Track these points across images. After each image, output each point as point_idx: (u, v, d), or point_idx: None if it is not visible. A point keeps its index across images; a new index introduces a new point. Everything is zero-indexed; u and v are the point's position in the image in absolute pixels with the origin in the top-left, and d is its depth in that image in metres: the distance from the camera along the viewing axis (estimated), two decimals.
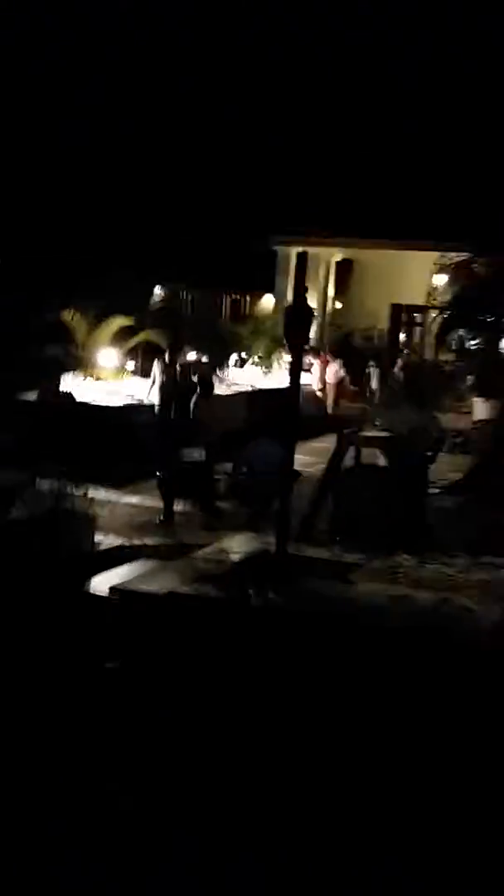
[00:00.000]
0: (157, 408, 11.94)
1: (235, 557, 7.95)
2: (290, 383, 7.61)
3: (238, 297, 25.14)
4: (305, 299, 7.49)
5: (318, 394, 16.89)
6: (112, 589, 6.99)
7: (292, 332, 7.41)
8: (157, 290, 23.27)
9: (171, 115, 25.51)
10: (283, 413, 14.32)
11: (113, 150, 24.71)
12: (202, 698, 5.69)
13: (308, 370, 17.00)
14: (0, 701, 5.52)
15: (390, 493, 8.31)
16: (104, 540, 8.31)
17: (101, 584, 7.15)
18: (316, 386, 16.97)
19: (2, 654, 5.99)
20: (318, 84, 25.23)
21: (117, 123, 24.84)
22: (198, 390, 10.26)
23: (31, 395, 12.16)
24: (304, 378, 16.56)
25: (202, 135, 26.02)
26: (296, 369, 7.58)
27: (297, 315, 7.40)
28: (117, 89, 24.82)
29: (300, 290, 7.45)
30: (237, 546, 8.31)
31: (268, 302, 23.47)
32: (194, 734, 5.28)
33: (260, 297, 23.84)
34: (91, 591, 7.03)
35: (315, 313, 21.86)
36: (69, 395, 12.23)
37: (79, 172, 23.98)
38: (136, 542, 8.47)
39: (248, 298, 24.80)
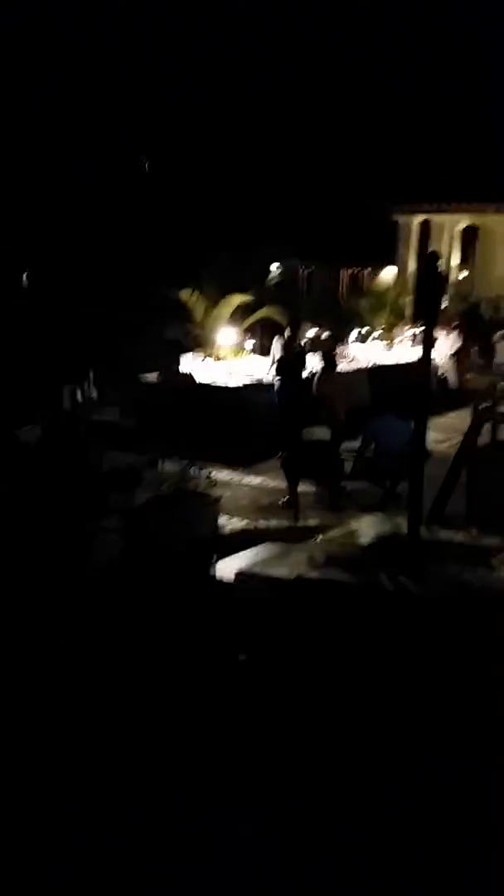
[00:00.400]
0: (277, 386, 11.62)
1: (365, 540, 7.56)
2: (422, 356, 7.12)
3: (357, 270, 24.58)
4: (437, 267, 6.97)
5: (443, 367, 16.19)
6: (238, 574, 6.73)
7: (423, 302, 6.91)
8: (275, 267, 23.02)
9: (286, 89, 25.07)
10: (410, 388, 13.84)
11: (230, 127, 24.50)
12: (333, 688, 5.36)
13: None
14: (131, 685, 5.35)
15: None
16: (228, 523, 8.09)
17: (227, 568, 6.91)
18: (440, 359, 16.26)
19: (130, 641, 5.84)
20: (435, 46, 24.22)
21: (233, 101, 24.61)
22: (321, 366, 9.88)
23: (152, 377, 12.07)
24: (415, 352, 15.97)
25: (317, 107, 25.46)
26: (427, 341, 7.09)
27: (428, 284, 6.89)
28: (231, 67, 24.56)
29: (431, 258, 6.94)
30: (366, 528, 7.91)
31: (388, 274, 22.80)
32: (325, 725, 4.97)
33: (380, 269, 23.18)
34: (216, 576, 6.80)
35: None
36: (189, 376, 12.07)
37: (198, 150, 23.90)
38: (261, 524, 8.19)
39: (367, 271, 24.20)
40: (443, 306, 15.93)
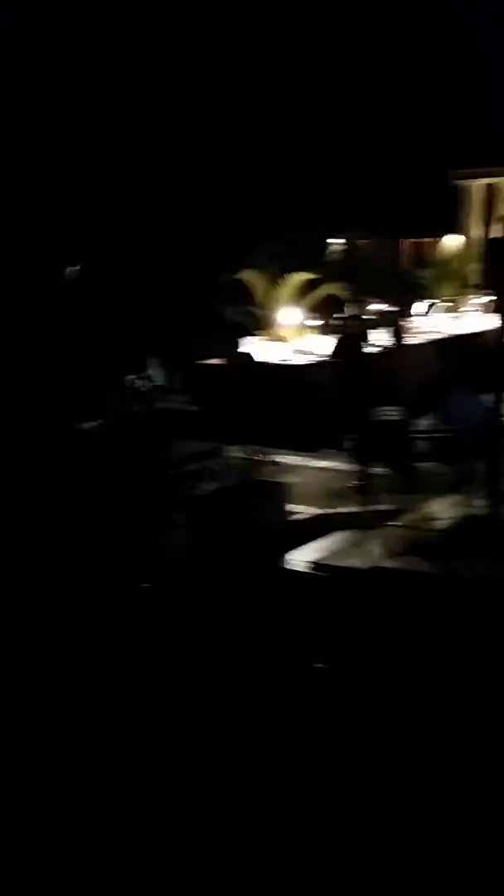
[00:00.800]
0: (344, 365, 11.30)
1: (442, 525, 7.25)
2: (499, 327, 6.75)
3: (419, 240, 23.89)
4: None
5: None
6: (311, 564, 6.50)
7: (494, 269, 6.54)
8: (334, 241, 22.51)
9: (338, 55, 24.41)
10: (481, 360, 13.33)
11: (281, 97, 23.99)
12: (414, 683, 5.10)
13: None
14: (203, 680, 5.18)
15: None
16: (298, 510, 7.84)
17: (299, 559, 6.68)
18: None
19: (198, 635, 5.66)
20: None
21: (282, 73, 24.08)
22: (389, 342, 9.52)
23: (215, 361, 11.85)
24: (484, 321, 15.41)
25: (371, 73, 24.76)
26: (501, 309, 6.72)
27: (498, 250, 6.51)
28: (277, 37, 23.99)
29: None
30: (442, 511, 7.60)
31: (451, 242, 22.09)
32: (402, 725, 4.71)
33: (442, 238, 22.49)
34: (288, 567, 6.58)
35: None
36: (252, 358, 11.81)
37: (251, 124, 23.47)
38: (332, 510, 7.91)
39: (429, 241, 23.50)
40: None
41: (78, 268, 15.69)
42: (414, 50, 24.38)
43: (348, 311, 11.94)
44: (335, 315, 11.73)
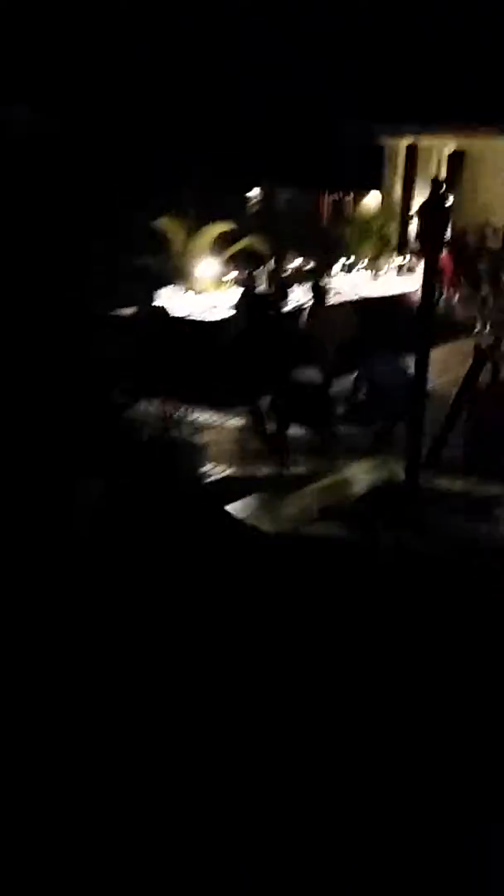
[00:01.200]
0: (264, 323, 11.00)
1: (359, 489, 7.10)
2: (424, 288, 6.56)
3: (340, 196, 23.62)
4: (443, 194, 6.36)
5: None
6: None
7: (429, 230, 6.33)
8: (254, 193, 22.04)
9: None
10: (400, 321, 13.22)
11: (203, 40, 23.15)
12: (325, 653, 4.94)
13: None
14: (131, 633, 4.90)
15: None
16: (213, 470, 7.58)
17: (213, 521, 6.42)
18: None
19: (108, 598, 5.37)
20: None
21: (212, 17, 23.21)
22: (309, 301, 9.27)
23: (128, 311, 11.35)
24: (401, 283, 15.35)
25: (301, 25, 24.11)
26: (430, 272, 6.52)
27: (434, 211, 6.30)
28: None
29: (436, 185, 6.32)
30: (360, 475, 7.46)
31: (373, 200, 21.91)
32: (312, 697, 4.56)
33: (364, 195, 22.28)
34: (202, 530, 6.31)
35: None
36: (167, 310, 11.37)
37: (171, 66, 22.60)
38: (249, 471, 7.67)
39: (350, 197, 23.26)
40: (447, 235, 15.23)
41: None
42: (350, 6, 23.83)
43: (268, 266, 11.61)
44: (250, 271, 11.39)
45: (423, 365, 6.68)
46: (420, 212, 6.69)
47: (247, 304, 10.07)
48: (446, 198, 6.48)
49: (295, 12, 23.52)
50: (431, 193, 6.24)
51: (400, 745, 4.23)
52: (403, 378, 8.16)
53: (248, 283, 10.69)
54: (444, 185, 6.38)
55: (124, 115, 20.78)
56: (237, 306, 10.28)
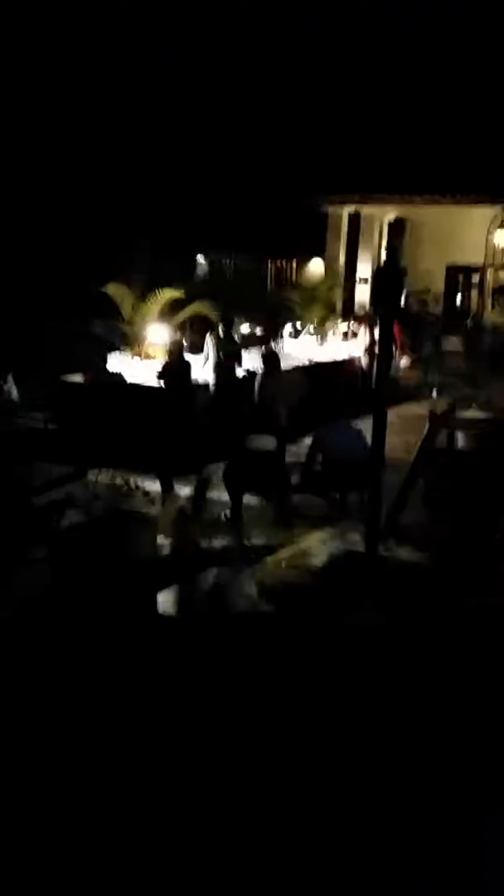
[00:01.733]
0: (212, 388, 10.92)
1: (319, 562, 6.93)
2: (380, 351, 6.52)
3: (283, 263, 23.95)
4: (397, 259, 6.38)
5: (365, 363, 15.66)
6: (179, 608, 6.02)
7: (384, 295, 6.33)
8: (201, 259, 22.22)
9: (216, 79, 24.21)
10: (346, 387, 13.25)
11: (154, 116, 23.53)
12: (292, 744, 4.72)
13: (354, 337, 15.90)
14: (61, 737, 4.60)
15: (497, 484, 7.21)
16: (166, 543, 7.34)
17: (170, 602, 6.18)
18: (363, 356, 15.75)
19: (56, 687, 5.07)
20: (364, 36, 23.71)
21: (159, 91, 23.63)
22: (262, 367, 9.21)
23: (77, 377, 11.18)
24: (346, 348, 15.48)
25: (244, 96, 24.69)
26: (386, 336, 6.50)
27: (388, 277, 6.30)
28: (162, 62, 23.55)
29: (391, 250, 6.34)
30: (318, 546, 7.30)
31: (315, 267, 22.24)
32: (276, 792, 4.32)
33: (307, 262, 22.62)
34: (158, 612, 6.06)
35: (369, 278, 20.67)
36: (118, 375, 11.22)
37: (124, 139, 22.88)
38: (203, 544, 7.45)
39: (294, 264, 23.61)
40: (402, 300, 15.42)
41: None
42: (289, 77, 24.50)
43: (220, 332, 11.56)
44: (208, 334, 11.35)
45: (380, 431, 6.61)
46: (376, 276, 6.70)
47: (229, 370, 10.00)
48: (397, 262, 6.51)
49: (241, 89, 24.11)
50: (388, 258, 6.25)
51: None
52: (359, 445, 8.10)
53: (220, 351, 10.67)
54: (397, 250, 6.40)
55: (76, 184, 20.90)
56: (219, 374, 10.19)
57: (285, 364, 12.49)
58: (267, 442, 8.29)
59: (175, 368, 9.66)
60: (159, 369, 9.92)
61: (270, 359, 9.43)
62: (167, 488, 8.50)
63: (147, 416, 9.91)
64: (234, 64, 24.33)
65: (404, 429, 9.47)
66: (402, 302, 19.52)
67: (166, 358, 10.13)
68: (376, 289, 6.69)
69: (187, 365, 9.92)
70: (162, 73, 23.84)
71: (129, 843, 3.92)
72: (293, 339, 15.86)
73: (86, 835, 3.96)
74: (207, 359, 11.28)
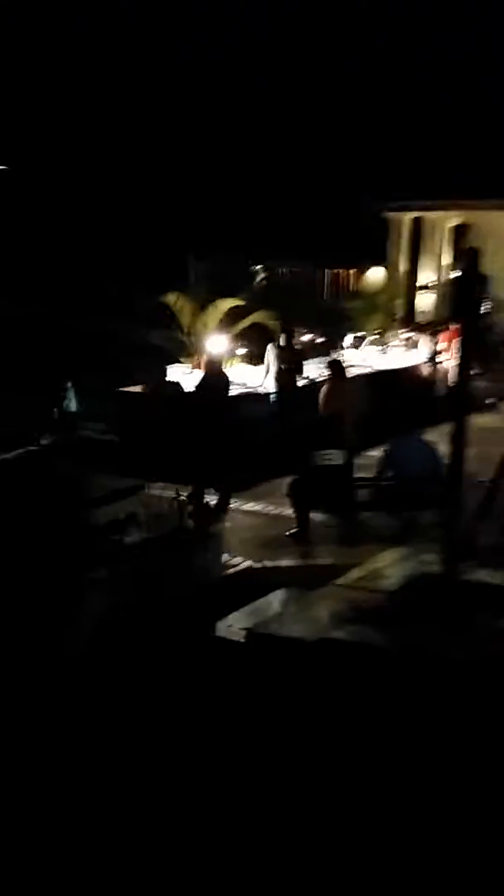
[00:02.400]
0: (273, 398, 10.62)
1: (392, 583, 6.53)
2: (461, 364, 6.13)
3: (343, 271, 23.59)
4: (475, 264, 5.99)
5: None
6: (249, 633, 5.68)
7: (463, 302, 5.94)
8: (260, 268, 21.98)
9: (271, 84, 24.04)
10: (412, 396, 12.80)
11: (212, 123, 23.45)
12: (368, 782, 4.35)
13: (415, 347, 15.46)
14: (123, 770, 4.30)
15: None
16: (231, 561, 7.03)
17: (235, 625, 5.85)
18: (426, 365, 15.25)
19: (116, 723, 4.78)
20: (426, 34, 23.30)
21: (217, 97, 23.54)
22: (328, 377, 8.86)
23: (137, 388, 10.96)
24: (408, 357, 15.04)
25: (303, 103, 24.45)
26: (468, 344, 6.10)
27: (466, 283, 5.91)
28: (217, 64, 23.46)
29: (472, 255, 5.96)
30: (391, 567, 6.89)
31: (374, 275, 21.81)
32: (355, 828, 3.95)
33: (366, 269, 22.21)
34: (222, 636, 5.73)
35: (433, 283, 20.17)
36: (177, 386, 10.97)
37: (181, 149, 22.82)
38: (269, 563, 7.11)
39: (352, 272, 23.23)
40: (483, 308, 14.96)
41: None
42: (353, 79, 24.22)
43: (282, 341, 11.25)
44: (269, 344, 11.06)
45: (459, 445, 6.19)
46: (456, 283, 6.31)
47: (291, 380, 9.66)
48: (476, 267, 6.12)
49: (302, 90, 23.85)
50: (469, 263, 5.86)
51: None
52: (431, 459, 7.70)
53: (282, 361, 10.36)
54: (478, 255, 6.00)
55: (133, 192, 20.87)
56: (282, 384, 9.86)
57: (349, 373, 12.15)
58: (334, 456, 7.93)
59: (211, 383, 9.32)
60: (197, 383, 9.61)
61: (335, 367, 9.08)
62: (223, 503, 8.21)
63: (201, 428, 9.62)
64: (296, 69, 24.14)
65: (479, 441, 9.02)
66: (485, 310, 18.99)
67: (204, 371, 9.81)
68: (455, 297, 6.28)
69: (225, 379, 9.59)
70: (226, 77, 23.73)
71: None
72: (354, 349, 15.48)
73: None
74: (269, 369, 10.99)
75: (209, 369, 9.53)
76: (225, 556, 7.07)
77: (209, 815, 4.11)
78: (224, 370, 9.84)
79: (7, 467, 7.05)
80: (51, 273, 17.20)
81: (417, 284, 20.62)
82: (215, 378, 9.30)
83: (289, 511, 8.06)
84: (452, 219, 21.05)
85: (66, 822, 4.03)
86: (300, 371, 11.14)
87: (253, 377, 11.44)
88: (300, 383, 11.06)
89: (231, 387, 9.74)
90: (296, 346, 11.84)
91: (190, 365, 11.89)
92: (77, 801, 4.16)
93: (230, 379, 9.76)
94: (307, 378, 11.23)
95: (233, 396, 10.98)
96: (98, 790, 4.25)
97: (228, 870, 3.78)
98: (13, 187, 19.18)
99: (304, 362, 11.61)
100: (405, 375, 14.02)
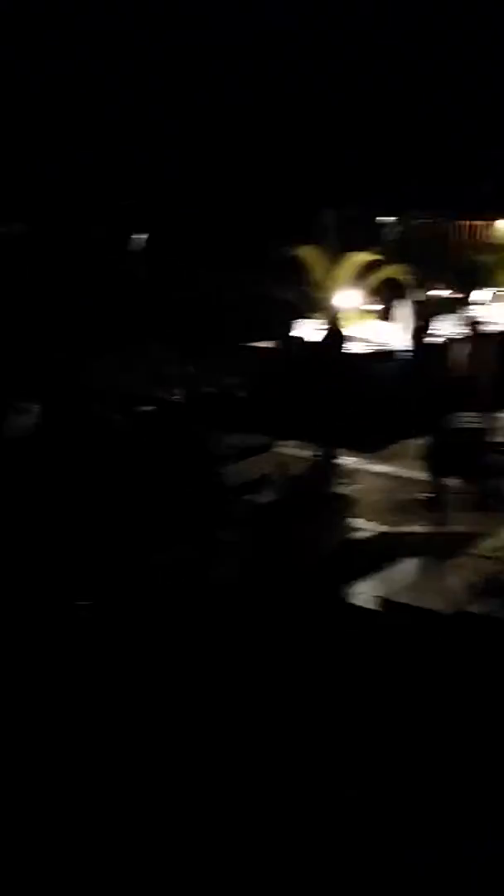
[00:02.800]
0: (409, 356, 10.24)
1: None
2: None
3: (472, 223, 22.64)
4: None
5: None
6: (384, 602, 5.52)
7: None
8: (392, 220, 21.29)
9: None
10: None
11: (344, 80, 22.77)
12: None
13: None
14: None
15: None
16: (360, 526, 6.84)
17: (366, 592, 5.70)
18: None
19: (242, 689, 4.73)
20: None
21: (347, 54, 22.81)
22: (465, 335, 8.46)
23: (267, 344, 10.81)
24: None
25: (431, 55, 23.39)
26: None
27: None
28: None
29: None
30: None
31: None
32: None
33: (493, 221, 21.18)
34: (354, 602, 5.59)
35: None
36: (300, 341, 10.73)
37: (310, 103, 22.30)
38: (401, 528, 6.88)
39: (482, 224, 22.25)
40: None
41: (144, 237, 14.68)
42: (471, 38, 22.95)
43: (412, 296, 10.84)
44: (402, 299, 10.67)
45: None
46: None
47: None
48: None
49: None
50: None
51: None
52: None
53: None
54: None
55: (261, 149, 20.55)
56: (419, 342, 9.58)
57: (485, 330, 11.61)
58: (473, 419, 7.58)
59: (330, 340, 9.05)
60: (415, 329, 9.28)
61: (476, 326, 8.65)
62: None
63: (346, 385, 9.38)
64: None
65: None
66: None
67: (329, 328, 9.52)
68: None
69: (341, 337, 9.30)
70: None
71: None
72: (487, 304, 14.80)
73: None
74: (405, 325, 10.61)
75: (330, 325, 9.31)
76: (355, 521, 6.90)
77: (336, 777, 4.02)
78: (339, 326, 9.56)
79: (145, 420, 7.08)
80: (189, 230, 17.22)
81: None
82: (333, 334, 9.07)
83: (421, 474, 7.78)
84: None
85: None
86: (427, 327, 10.73)
87: (384, 333, 11.09)
88: (428, 341, 10.66)
89: (347, 343, 9.49)
90: (427, 301, 11.40)
91: (322, 320, 11.64)
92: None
93: (344, 335, 9.48)
94: (441, 335, 10.80)
95: (363, 354, 10.72)
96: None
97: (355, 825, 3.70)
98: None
99: (436, 318, 11.17)
100: None
